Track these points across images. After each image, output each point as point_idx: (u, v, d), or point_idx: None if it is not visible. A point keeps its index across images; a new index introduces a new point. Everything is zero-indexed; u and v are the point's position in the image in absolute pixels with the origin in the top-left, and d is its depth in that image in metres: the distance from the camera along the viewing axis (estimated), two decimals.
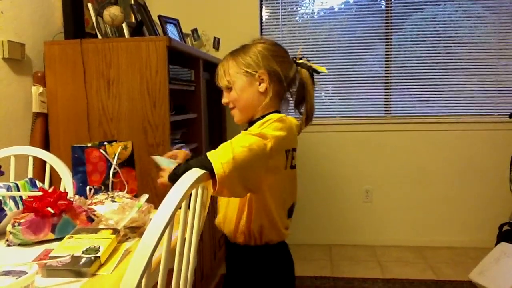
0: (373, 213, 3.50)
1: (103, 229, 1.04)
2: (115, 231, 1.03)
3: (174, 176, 1.14)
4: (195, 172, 1.00)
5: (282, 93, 1.34)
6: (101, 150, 1.45)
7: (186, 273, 1.03)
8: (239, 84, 1.31)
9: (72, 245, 0.97)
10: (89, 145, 1.46)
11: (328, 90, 3.57)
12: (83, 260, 0.90)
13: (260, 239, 1.28)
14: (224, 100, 1.36)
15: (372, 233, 3.51)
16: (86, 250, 0.94)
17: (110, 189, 1.44)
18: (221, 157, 1.07)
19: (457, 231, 3.42)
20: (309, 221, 3.49)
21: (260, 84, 1.30)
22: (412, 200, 3.46)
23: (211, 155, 1.09)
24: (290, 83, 1.34)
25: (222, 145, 1.13)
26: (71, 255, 0.92)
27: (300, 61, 1.35)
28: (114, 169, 1.44)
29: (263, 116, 1.28)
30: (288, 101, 1.39)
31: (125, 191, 1.43)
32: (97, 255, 0.92)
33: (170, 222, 0.86)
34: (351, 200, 3.51)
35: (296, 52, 1.39)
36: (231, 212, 1.30)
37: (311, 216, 3.49)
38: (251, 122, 1.32)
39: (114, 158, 1.44)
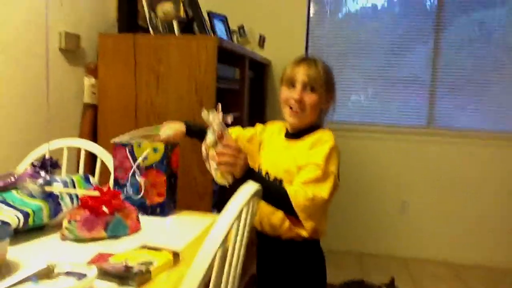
0: (408, 225, 3.44)
1: (164, 249, 1.05)
2: (175, 254, 1.04)
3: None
4: (251, 186, 1.00)
5: None
6: (126, 149, 1.47)
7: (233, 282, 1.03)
8: (322, 94, 1.44)
9: (131, 256, 0.99)
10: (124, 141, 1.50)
11: (367, 93, 3.51)
12: (134, 271, 0.92)
13: (311, 236, 1.39)
14: (300, 96, 1.43)
15: (406, 245, 3.45)
16: (141, 263, 0.95)
17: (140, 188, 1.45)
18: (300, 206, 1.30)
19: (496, 251, 3.33)
20: (342, 227, 3.46)
21: (326, 103, 1.48)
22: (450, 216, 3.38)
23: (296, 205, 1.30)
24: None
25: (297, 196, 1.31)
26: (125, 263, 0.94)
27: None
28: (135, 170, 1.45)
29: (312, 128, 1.46)
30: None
31: (140, 195, 1.44)
32: (149, 268, 0.94)
33: (223, 242, 0.85)
34: (386, 210, 3.46)
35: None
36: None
37: (345, 223, 3.46)
38: (299, 132, 1.48)
39: (138, 159, 1.45)
